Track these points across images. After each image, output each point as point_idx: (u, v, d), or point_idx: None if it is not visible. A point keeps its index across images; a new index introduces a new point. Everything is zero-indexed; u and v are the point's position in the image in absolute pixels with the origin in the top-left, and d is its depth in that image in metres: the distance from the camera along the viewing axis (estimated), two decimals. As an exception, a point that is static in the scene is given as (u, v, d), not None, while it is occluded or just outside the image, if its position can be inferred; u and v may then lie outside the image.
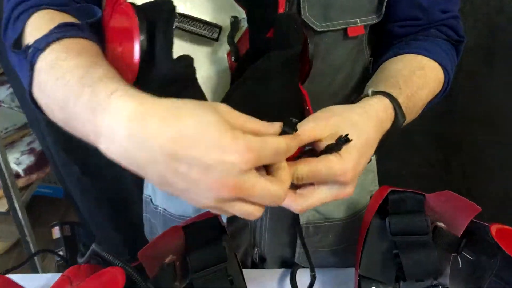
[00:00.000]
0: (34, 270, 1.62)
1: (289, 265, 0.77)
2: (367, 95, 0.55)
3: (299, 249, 0.74)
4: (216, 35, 0.57)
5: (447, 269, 0.64)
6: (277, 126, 0.44)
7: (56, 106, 0.45)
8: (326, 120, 0.48)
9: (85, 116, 0.40)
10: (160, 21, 0.46)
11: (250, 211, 0.41)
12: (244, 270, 0.66)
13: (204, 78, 0.57)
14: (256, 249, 0.76)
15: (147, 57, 0.46)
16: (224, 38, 0.57)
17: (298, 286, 0.72)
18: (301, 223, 0.72)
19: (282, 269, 0.78)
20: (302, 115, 0.56)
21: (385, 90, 0.56)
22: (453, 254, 0.63)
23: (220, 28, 0.56)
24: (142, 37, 0.45)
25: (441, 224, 0.63)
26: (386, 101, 0.54)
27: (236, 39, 0.57)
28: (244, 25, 0.56)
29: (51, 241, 1.24)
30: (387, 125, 0.54)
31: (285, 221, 0.74)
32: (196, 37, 0.56)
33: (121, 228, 1.57)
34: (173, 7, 0.47)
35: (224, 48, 0.58)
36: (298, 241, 0.74)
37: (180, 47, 0.55)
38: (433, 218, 0.63)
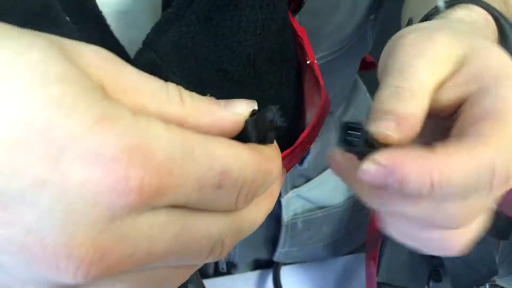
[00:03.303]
0: None
1: (264, 266, 0.58)
2: (437, 11, 0.30)
3: (281, 249, 0.54)
4: None
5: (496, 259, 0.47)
6: (240, 108, 0.19)
7: None
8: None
9: None
10: None
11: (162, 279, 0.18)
12: (211, 280, 0.52)
13: (119, 13, 0.31)
14: None
15: None
16: None
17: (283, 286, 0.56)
18: (286, 218, 0.51)
19: (258, 271, 0.58)
20: (297, 76, 0.33)
21: None
22: (502, 241, 0.47)
23: None
24: None
25: (492, 205, 0.45)
26: (476, 9, 0.30)
27: None
28: None
29: None
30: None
31: None
32: None
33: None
34: None
35: None
36: (282, 240, 0.53)
37: None
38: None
